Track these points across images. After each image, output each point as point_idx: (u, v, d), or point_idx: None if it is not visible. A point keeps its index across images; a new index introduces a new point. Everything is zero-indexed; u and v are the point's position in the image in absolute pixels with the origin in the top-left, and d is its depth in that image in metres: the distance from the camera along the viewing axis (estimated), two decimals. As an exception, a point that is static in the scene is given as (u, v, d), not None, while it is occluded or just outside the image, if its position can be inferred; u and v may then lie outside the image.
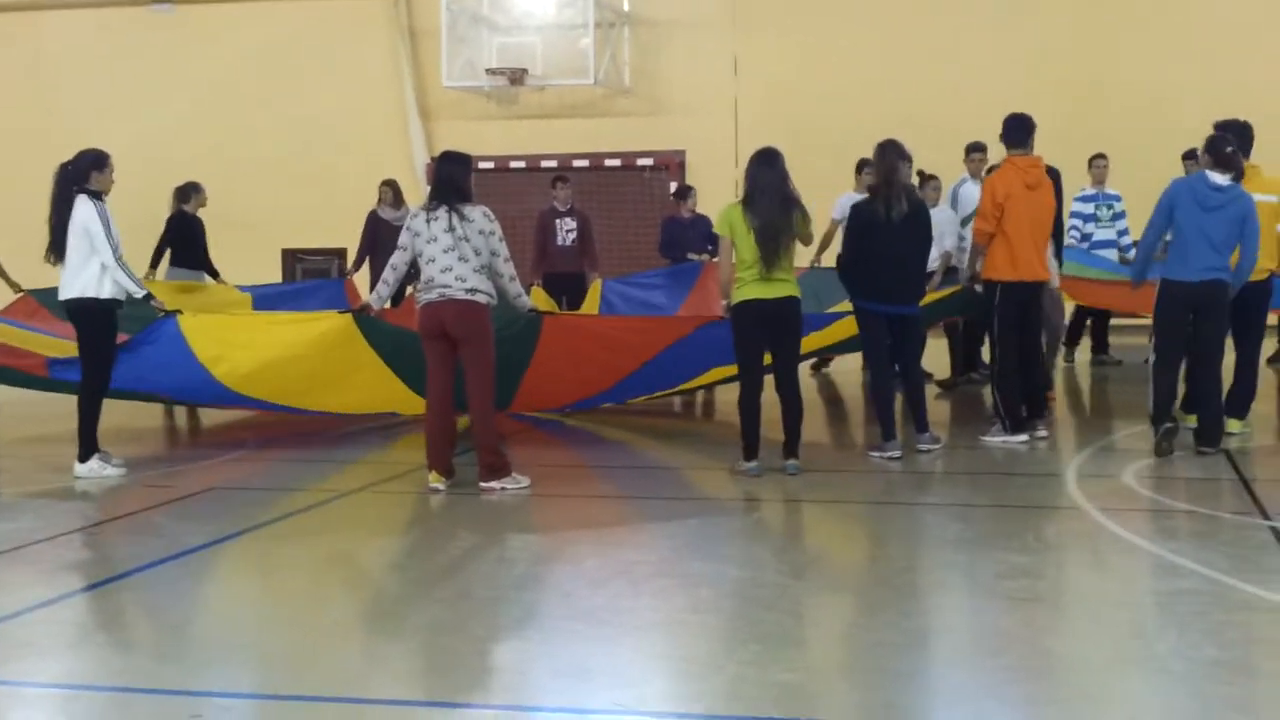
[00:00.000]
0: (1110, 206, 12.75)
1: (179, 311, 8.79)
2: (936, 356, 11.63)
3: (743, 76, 18.49)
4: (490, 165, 17.94)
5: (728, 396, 9.28)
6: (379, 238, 12.80)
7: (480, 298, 7.54)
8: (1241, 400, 8.88)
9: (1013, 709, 4.25)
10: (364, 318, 8.54)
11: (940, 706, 4.33)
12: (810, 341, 8.78)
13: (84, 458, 8.25)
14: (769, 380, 8.04)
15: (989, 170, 8.99)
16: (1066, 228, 11.50)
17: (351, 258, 14.03)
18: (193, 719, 4.20)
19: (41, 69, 20.35)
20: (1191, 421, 8.47)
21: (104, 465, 8.27)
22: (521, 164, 18.83)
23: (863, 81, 17.79)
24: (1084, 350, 13.63)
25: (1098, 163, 12.91)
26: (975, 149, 11.50)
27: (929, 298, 9.26)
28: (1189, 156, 11.20)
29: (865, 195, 8.86)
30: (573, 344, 9.05)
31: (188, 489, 7.93)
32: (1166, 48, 17.28)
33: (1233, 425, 8.76)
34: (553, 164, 18.00)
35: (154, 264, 12.00)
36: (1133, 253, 12.05)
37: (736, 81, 18.49)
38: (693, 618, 5.25)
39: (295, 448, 9.36)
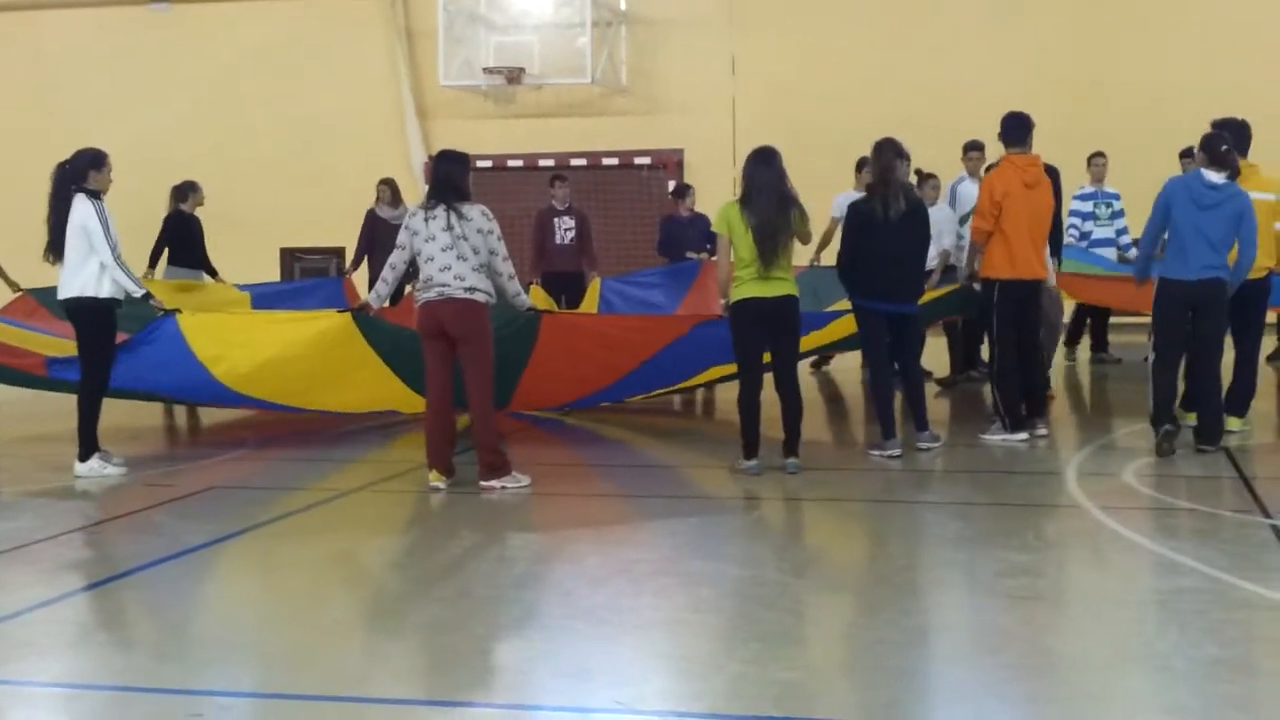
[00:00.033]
0: (1109, 205, 12.76)
1: (178, 311, 8.79)
2: (936, 355, 11.64)
3: (740, 76, 18.49)
4: (488, 164, 17.94)
5: (728, 395, 9.29)
6: (377, 236, 12.80)
7: (479, 296, 7.54)
8: (1241, 398, 8.89)
9: (1013, 707, 4.25)
10: (363, 317, 8.54)
11: (941, 704, 4.34)
12: (809, 340, 8.79)
13: (84, 457, 8.25)
14: (768, 379, 8.04)
15: (988, 169, 8.99)
16: (1065, 226, 11.51)
17: (350, 257, 14.03)
18: (193, 718, 4.20)
19: (41, 69, 20.34)
20: (1191, 419, 8.47)
21: (104, 464, 8.27)
22: (519, 163, 18.83)
23: (861, 81, 17.80)
24: (1083, 348, 13.64)
25: (1096, 161, 12.92)
26: (973, 147, 11.52)
27: (928, 296, 9.26)
28: (1186, 155, 11.20)
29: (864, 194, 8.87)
30: (571, 343, 9.05)
31: (188, 488, 7.93)
32: (1166, 47, 17.29)
33: (1232, 423, 8.77)
34: (550, 163, 18.00)
35: (152, 263, 11.99)
36: (1132, 252, 12.11)
37: (734, 81, 18.49)
38: (693, 616, 5.26)
39: (295, 447, 9.36)
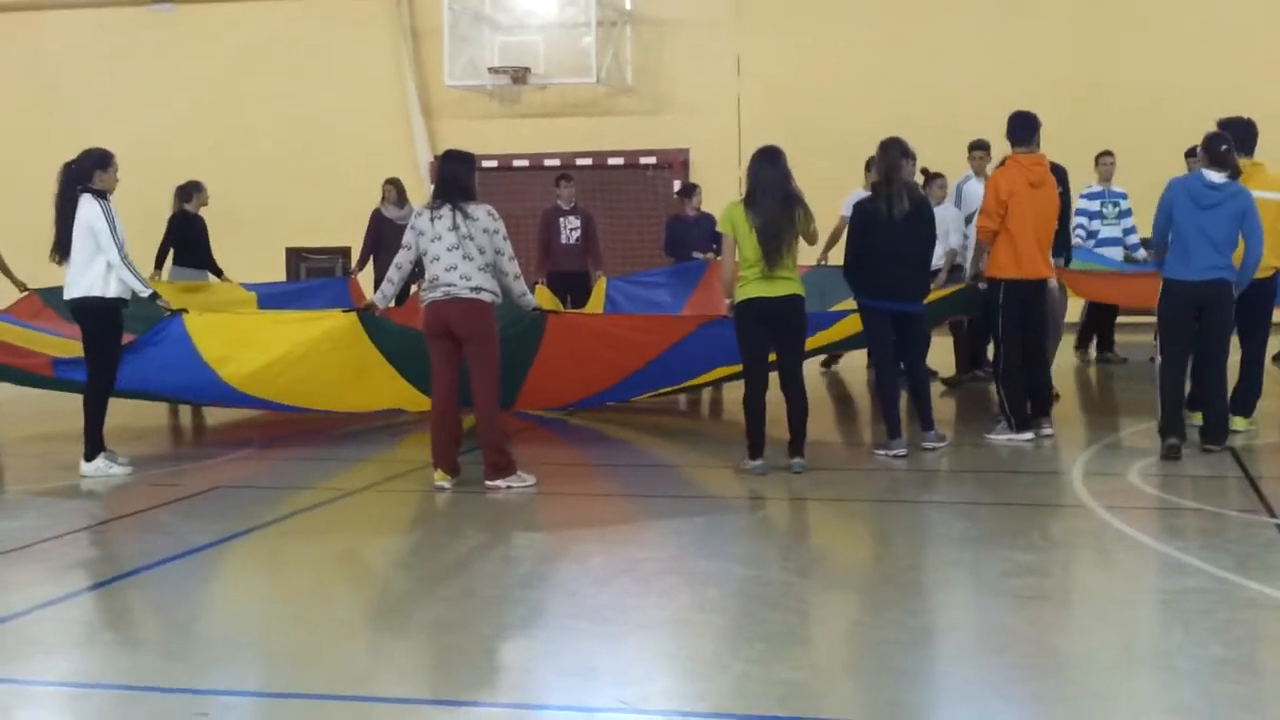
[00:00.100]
0: (1116, 204, 12.75)
1: (184, 311, 8.79)
2: (942, 354, 11.63)
3: (745, 76, 18.49)
4: (493, 164, 17.95)
5: (734, 395, 9.28)
6: (383, 236, 12.81)
7: (485, 296, 7.54)
8: (1247, 398, 8.87)
9: (1018, 707, 4.25)
10: (368, 317, 8.54)
11: (946, 704, 4.34)
12: (815, 340, 8.78)
13: (90, 456, 8.25)
14: (774, 378, 8.04)
15: (1002, 163, 8.99)
16: (1072, 226, 11.49)
17: (355, 257, 14.05)
18: (199, 717, 4.21)
19: (42, 69, 20.37)
20: (1197, 419, 8.45)
21: (110, 464, 8.28)
22: (525, 163, 18.84)
23: (864, 81, 17.80)
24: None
25: (1104, 160, 12.91)
26: (978, 146, 11.51)
27: (933, 295, 9.25)
28: (1191, 154, 11.19)
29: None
30: (577, 343, 9.05)
31: (193, 487, 7.93)
32: (1166, 48, 17.28)
33: (1238, 423, 8.75)
34: (556, 163, 18.01)
35: (158, 264, 12.00)
36: (1140, 252, 12.11)
37: (739, 80, 18.49)
38: (698, 616, 5.26)
39: (300, 446, 9.36)
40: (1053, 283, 9.26)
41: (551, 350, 8.92)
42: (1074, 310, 13.26)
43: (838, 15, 18.24)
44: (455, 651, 4.88)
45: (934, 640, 5.00)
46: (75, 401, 8.49)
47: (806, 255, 8.57)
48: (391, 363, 8.88)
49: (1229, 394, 8.53)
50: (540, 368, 9.07)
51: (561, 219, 12.87)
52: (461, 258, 7.49)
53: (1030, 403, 8.88)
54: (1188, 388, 8.47)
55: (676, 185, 16.99)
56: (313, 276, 18.07)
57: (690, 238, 12.89)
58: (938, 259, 10.12)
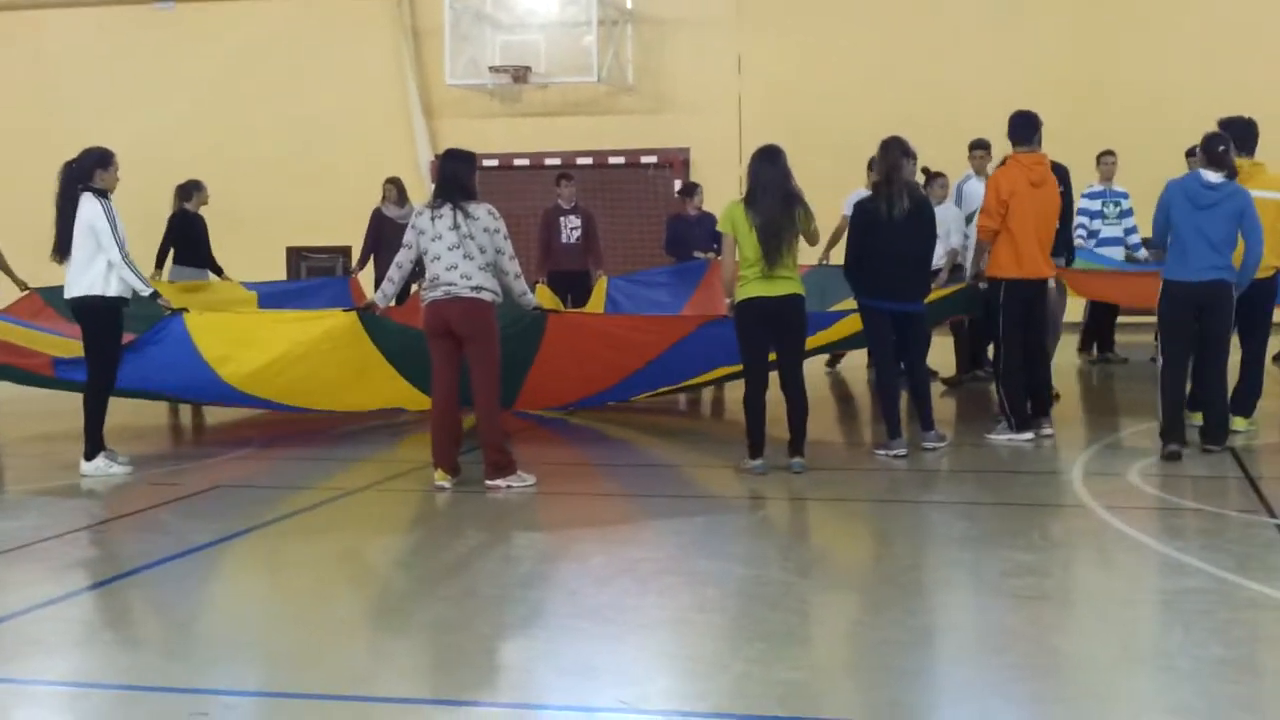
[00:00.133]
0: (1117, 204, 12.74)
1: (185, 310, 8.79)
2: (942, 354, 11.63)
3: (746, 75, 18.48)
4: (494, 163, 17.94)
5: (735, 394, 9.28)
6: (383, 236, 12.81)
7: (485, 295, 7.54)
8: (1247, 398, 8.86)
9: (1018, 707, 4.25)
10: (369, 316, 8.54)
11: (946, 704, 4.34)
12: (815, 339, 8.78)
13: (90, 455, 8.26)
14: (774, 378, 8.04)
15: (1003, 163, 8.98)
16: (1074, 225, 11.49)
17: (356, 256, 14.05)
18: (199, 717, 4.21)
19: (41, 68, 20.37)
20: (1197, 419, 8.45)
21: (110, 463, 8.28)
22: (525, 162, 18.84)
23: (865, 80, 17.80)
24: (1074, 349, 13.59)
25: (1106, 159, 12.91)
26: (978, 145, 11.51)
27: (933, 295, 9.25)
28: (1192, 154, 11.18)
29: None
30: (577, 342, 9.04)
31: (193, 487, 7.93)
32: (1166, 47, 17.28)
33: (1238, 423, 8.75)
34: (556, 162, 18.01)
35: (159, 264, 11.99)
36: (1141, 252, 12.10)
37: (740, 80, 18.48)
38: (698, 616, 5.26)
39: (300, 446, 9.36)
40: (1051, 282, 9.26)
41: (552, 350, 8.92)
42: (1076, 311, 13.27)
43: (839, 14, 18.23)
44: (455, 651, 4.88)
45: (934, 640, 5.00)
46: (75, 401, 8.49)
47: (808, 254, 8.57)
48: (392, 362, 8.88)
49: (1229, 394, 8.52)
50: (541, 367, 9.07)
51: (562, 218, 12.87)
52: (462, 257, 7.49)
53: (1030, 403, 8.88)
54: (1188, 388, 8.47)
55: (677, 185, 16.98)
56: (313, 276, 18.08)
57: (691, 237, 12.89)
58: (939, 259, 10.12)
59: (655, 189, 18.65)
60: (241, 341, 8.88)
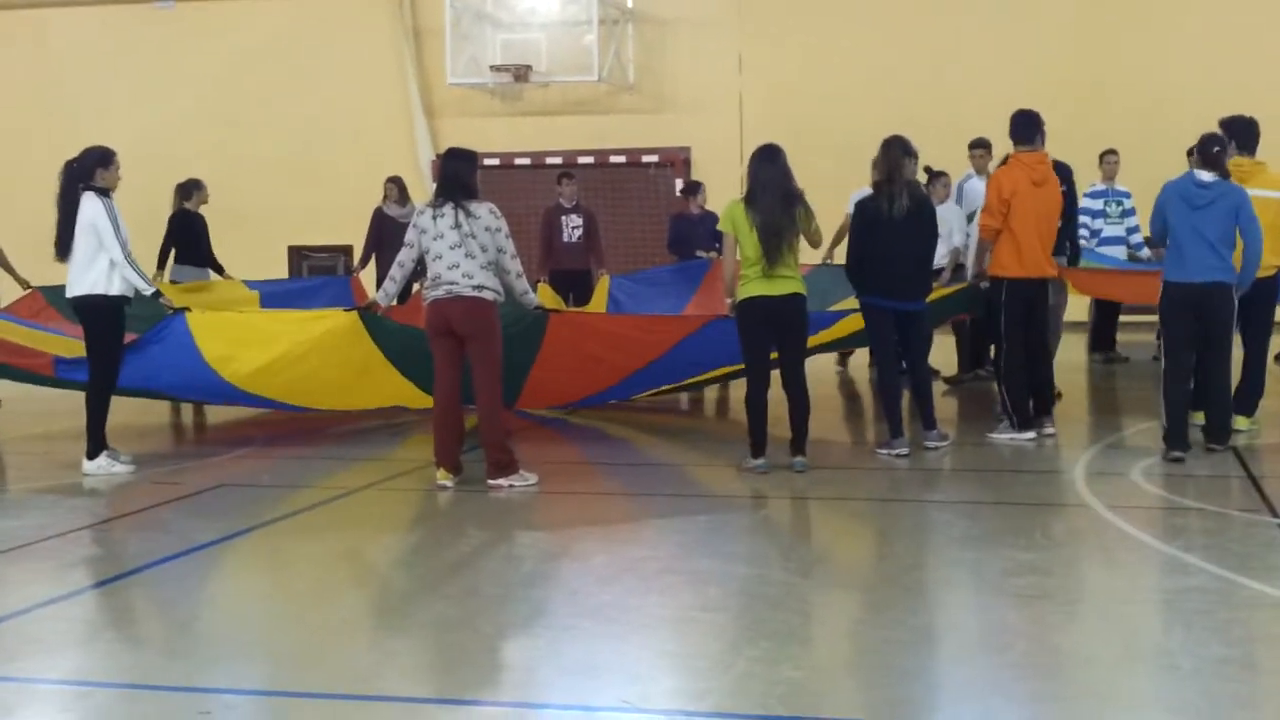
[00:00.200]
0: (1119, 203, 12.74)
1: (187, 309, 8.79)
2: (944, 353, 11.63)
3: (747, 74, 18.47)
4: (495, 162, 17.93)
5: (738, 393, 9.28)
6: (384, 235, 12.81)
7: (487, 294, 7.55)
8: (1249, 397, 8.86)
9: (1020, 706, 4.25)
10: (370, 316, 8.54)
11: (947, 703, 4.34)
12: (817, 338, 8.78)
13: (92, 454, 8.26)
14: (775, 377, 8.04)
15: (1004, 161, 8.98)
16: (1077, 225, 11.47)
17: (357, 255, 14.05)
18: (201, 715, 4.21)
19: (44, 66, 20.37)
20: (1200, 418, 8.44)
21: (112, 462, 8.29)
22: (526, 161, 18.83)
23: (867, 80, 17.79)
24: (1080, 348, 13.58)
25: (1108, 159, 12.91)
26: (978, 145, 11.50)
27: (935, 294, 9.24)
28: (1193, 154, 11.18)
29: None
30: (578, 342, 9.04)
31: (195, 486, 7.94)
32: (1168, 48, 17.26)
33: (1240, 422, 8.74)
34: (558, 161, 18.00)
35: (160, 264, 11.98)
36: (1144, 251, 12.09)
37: (741, 79, 18.48)
38: (700, 615, 5.26)
39: (302, 445, 9.37)
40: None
41: (553, 349, 8.92)
42: (1079, 311, 13.27)
43: (840, 14, 18.22)
44: (457, 650, 4.88)
45: (936, 639, 5.00)
46: (77, 400, 8.49)
47: (811, 254, 8.57)
48: (393, 362, 8.87)
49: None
50: (542, 367, 9.06)
51: (563, 217, 12.87)
52: (464, 256, 7.49)
53: (1032, 401, 8.88)
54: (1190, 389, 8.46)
55: (679, 184, 16.97)
56: (315, 275, 18.08)
57: (694, 236, 12.89)
58: (941, 258, 10.12)
59: (656, 188, 18.65)
60: (243, 341, 8.88)
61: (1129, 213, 12.69)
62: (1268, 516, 6.66)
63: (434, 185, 8.57)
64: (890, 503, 7.44)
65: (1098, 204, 12.68)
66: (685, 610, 5.32)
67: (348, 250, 17.95)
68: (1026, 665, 4.59)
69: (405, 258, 7.80)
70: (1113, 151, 12.94)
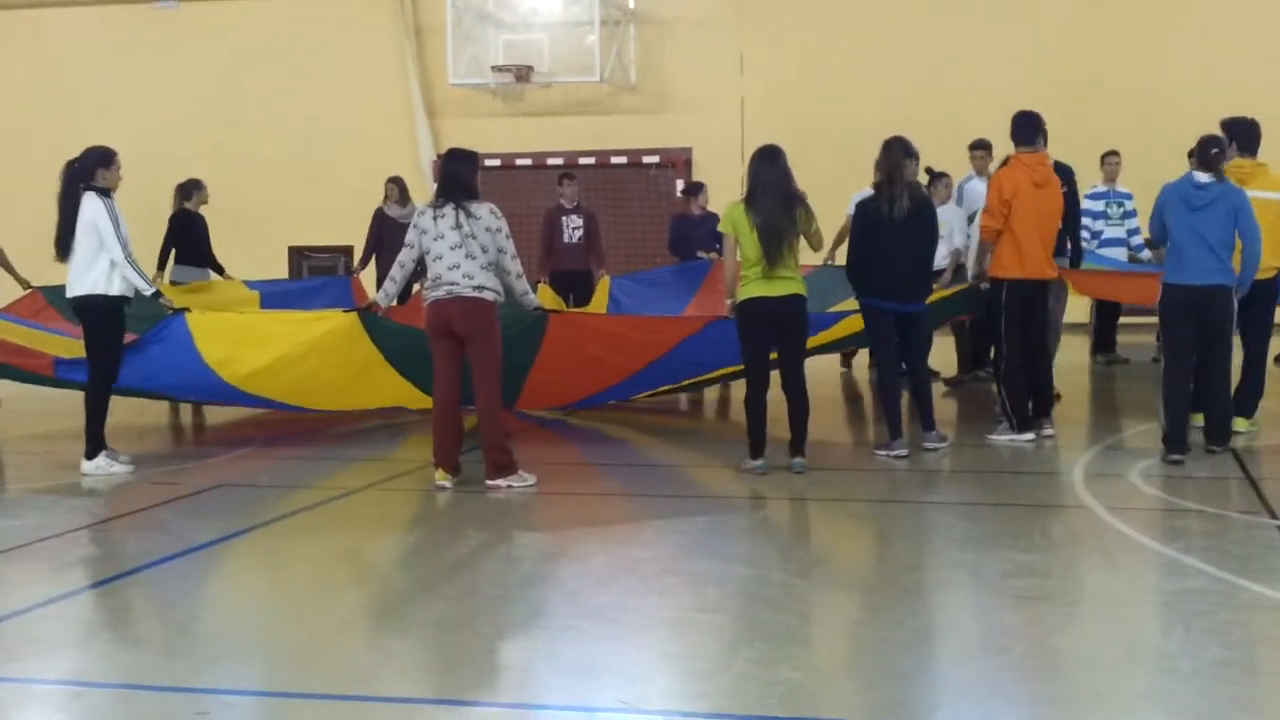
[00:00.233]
0: (1120, 205, 12.74)
1: (186, 309, 8.79)
2: (944, 354, 11.62)
3: (748, 75, 18.47)
4: (496, 163, 17.92)
5: (739, 395, 9.27)
6: (385, 235, 12.82)
7: (487, 295, 7.54)
8: (1249, 399, 8.85)
9: (1019, 707, 4.25)
10: (370, 317, 8.53)
11: (946, 705, 4.33)
12: (816, 339, 8.77)
13: (91, 454, 8.26)
14: (775, 378, 8.03)
15: (1004, 162, 8.97)
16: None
17: (358, 255, 14.05)
18: (199, 716, 4.21)
19: (45, 66, 20.38)
20: (1199, 420, 8.43)
21: (111, 462, 8.29)
22: (528, 161, 18.83)
23: (867, 81, 17.79)
24: (1081, 350, 13.58)
25: (1110, 160, 12.91)
26: (978, 146, 11.50)
27: (935, 295, 9.24)
28: (1192, 155, 11.18)
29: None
30: (578, 342, 9.04)
31: (194, 486, 7.94)
32: (1167, 48, 17.27)
33: (1240, 424, 8.74)
34: (559, 161, 18.00)
35: (161, 265, 11.98)
36: (1144, 253, 12.08)
37: (742, 80, 18.48)
38: (699, 616, 5.26)
39: (301, 445, 9.36)
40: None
41: (553, 350, 8.92)
42: (1081, 313, 13.28)
43: (840, 15, 18.23)
44: (456, 651, 4.88)
45: (935, 641, 5.00)
46: (76, 399, 8.50)
47: (812, 255, 8.56)
48: (392, 363, 8.87)
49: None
50: (542, 367, 9.06)
51: (564, 218, 12.86)
52: (464, 256, 7.49)
53: (1032, 403, 8.88)
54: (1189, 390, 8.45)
55: (679, 184, 16.96)
56: (315, 275, 18.09)
57: (695, 236, 12.88)
58: (942, 259, 10.12)
59: (657, 189, 18.65)
60: (243, 341, 8.88)
61: (1130, 214, 12.69)
62: (1267, 518, 6.66)
63: (435, 186, 8.57)
64: (889, 504, 7.44)
65: (1099, 205, 12.67)
66: (684, 611, 5.31)
67: (348, 251, 17.95)
68: (1026, 667, 4.59)
69: (405, 258, 7.80)
70: (1114, 153, 12.94)
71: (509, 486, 7.57)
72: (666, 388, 10.14)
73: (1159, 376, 8.34)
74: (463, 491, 7.60)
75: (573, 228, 12.80)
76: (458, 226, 7.50)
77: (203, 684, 4.53)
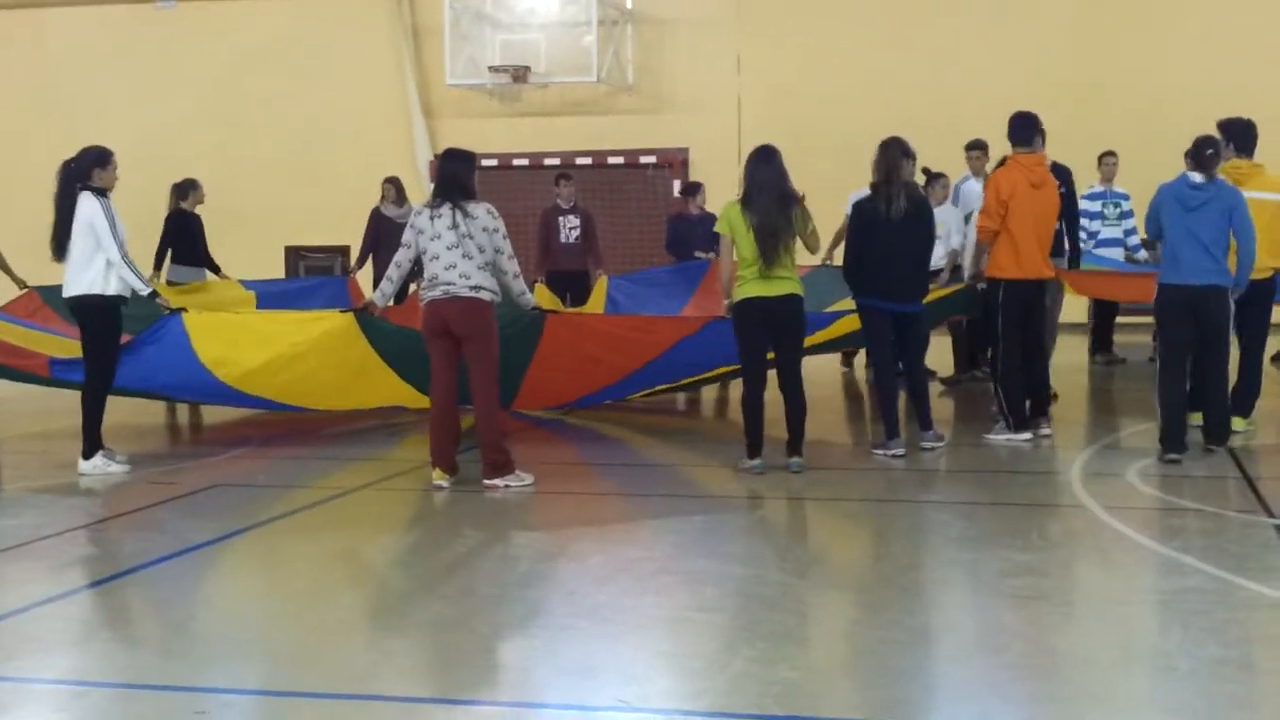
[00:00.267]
0: (1117, 205, 12.74)
1: (183, 309, 8.79)
2: (941, 354, 11.63)
3: (746, 75, 18.49)
4: (493, 163, 17.93)
5: (736, 394, 9.28)
6: (382, 235, 12.81)
7: (484, 295, 7.54)
8: (1246, 398, 8.86)
9: (1016, 707, 4.25)
10: (366, 318, 8.53)
11: (943, 704, 4.34)
12: (813, 339, 8.77)
13: (88, 454, 8.25)
14: (772, 377, 8.03)
15: (1001, 163, 8.98)
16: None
17: (355, 255, 14.05)
18: (197, 715, 4.21)
19: (43, 66, 20.39)
20: (1197, 419, 8.44)
21: (108, 462, 8.28)
22: (525, 161, 18.84)
23: (865, 81, 17.81)
24: (1079, 350, 13.59)
25: (1107, 160, 12.91)
26: (975, 146, 11.50)
27: (932, 295, 9.25)
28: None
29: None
30: (575, 342, 9.04)
31: (191, 486, 7.93)
32: (1167, 49, 17.29)
33: (1237, 423, 8.74)
34: (556, 161, 18.01)
35: (157, 265, 11.98)
36: (1141, 254, 12.10)
37: (740, 80, 18.48)
38: (696, 615, 5.26)
39: (298, 445, 9.36)
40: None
41: (550, 350, 8.91)
42: (1079, 313, 13.28)
43: (838, 15, 18.24)
44: (454, 650, 4.88)
45: (932, 640, 5.00)
46: (73, 399, 8.49)
47: (809, 255, 8.55)
48: (389, 364, 8.87)
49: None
50: (539, 367, 9.06)
51: (561, 218, 12.87)
52: (461, 256, 7.49)
53: (1029, 403, 8.88)
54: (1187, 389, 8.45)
55: (676, 185, 16.97)
56: (312, 275, 18.09)
57: (693, 237, 12.88)
58: (939, 259, 10.12)
59: (655, 189, 18.66)
60: (239, 342, 8.87)
61: (1127, 215, 12.69)
62: (1264, 517, 6.67)
63: (432, 186, 8.57)
64: (887, 503, 7.44)
65: (1096, 206, 12.68)
66: (681, 610, 5.31)
67: (345, 250, 17.96)
68: (1023, 666, 4.59)
69: (402, 258, 7.79)
70: (1111, 153, 12.94)
71: (506, 486, 7.57)
72: (664, 387, 10.14)
73: (1155, 376, 8.33)
74: (460, 491, 7.60)
75: (570, 228, 12.80)
76: (455, 226, 7.50)
77: (201, 683, 4.52)
